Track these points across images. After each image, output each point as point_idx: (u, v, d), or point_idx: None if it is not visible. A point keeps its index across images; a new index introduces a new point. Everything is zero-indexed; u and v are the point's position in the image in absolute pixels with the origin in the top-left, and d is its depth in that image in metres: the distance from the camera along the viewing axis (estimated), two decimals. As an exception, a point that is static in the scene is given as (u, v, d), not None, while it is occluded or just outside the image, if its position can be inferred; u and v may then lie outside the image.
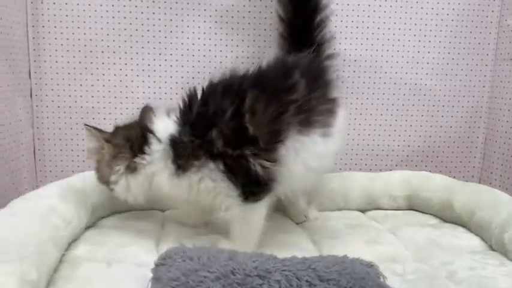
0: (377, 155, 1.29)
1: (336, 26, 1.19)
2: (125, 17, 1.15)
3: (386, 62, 1.24)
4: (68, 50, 1.15)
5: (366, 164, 1.29)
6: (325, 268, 0.62)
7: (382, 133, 1.28)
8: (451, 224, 1.05)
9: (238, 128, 0.81)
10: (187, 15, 1.17)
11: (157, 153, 0.85)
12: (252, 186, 0.82)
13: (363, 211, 1.16)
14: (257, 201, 0.83)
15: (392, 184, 1.17)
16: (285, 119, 0.82)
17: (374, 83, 1.25)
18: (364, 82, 1.24)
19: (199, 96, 0.85)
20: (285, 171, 0.84)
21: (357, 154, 1.28)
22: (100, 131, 0.90)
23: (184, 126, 0.83)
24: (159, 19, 1.16)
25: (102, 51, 1.16)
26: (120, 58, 1.17)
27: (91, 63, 1.16)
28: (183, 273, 0.61)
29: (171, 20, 1.17)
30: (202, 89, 0.85)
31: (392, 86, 1.26)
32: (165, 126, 0.85)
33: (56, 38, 1.14)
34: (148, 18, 1.16)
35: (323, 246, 0.93)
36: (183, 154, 0.82)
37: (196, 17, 1.17)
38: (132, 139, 0.87)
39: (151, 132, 0.86)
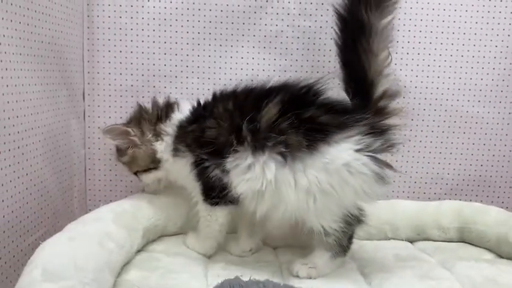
0: (426, 183, 1.26)
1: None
2: (176, 42, 1.17)
3: (437, 88, 1.22)
4: (120, 74, 1.19)
5: (413, 192, 1.26)
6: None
7: (432, 161, 1.25)
8: (508, 260, 1.00)
9: (202, 129, 0.90)
10: (237, 40, 1.18)
11: (174, 126, 0.96)
12: (208, 190, 0.92)
13: (412, 241, 1.13)
14: (213, 205, 0.93)
15: (442, 214, 1.13)
16: (239, 135, 0.85)
17: (424, 109, 1.22)
18: (413, 108, 1.22)
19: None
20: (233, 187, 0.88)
21: (404, 181, 1.25)
22: (116, 124, 1.03)
23: (187, 115, 0.96)
24: (209, 44, 1.18)
25: (154, 75, 1.19)
26: (170, 82, 1.19)
27: (142, 86, 1.19)
28: (241, 310, 0.60)
29: (220, 45, 1.18)
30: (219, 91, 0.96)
31: (443, 113, 1.23)
32: (184, 109, 0.98)
33: (109, 62, 1.18)
34: (199, 44, 1.18)
35: (373, 279, 0.90)
36: (178, 137, 0.95)
37: (246, 42, 1.19)
38: (157, 110, 1.00)
39: (177, 104, 0.99)
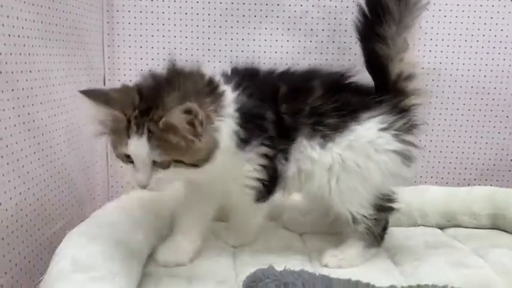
0: (455, 168, 1.22)
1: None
2: (197, 25, 1.14)
3: (468, 70, 1.17)
4: (141, 58, 1.16)
5: (442, 178, 1.22)
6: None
7: (462, 145, 1.21)
8: (543, 247, 0.97)
9: (278, 116, 0.81)
10: (260, 22, 1.15)
11: (233, 105, 0.77)
12: (270, 186, 0.84)
13: (442, 228, 1.09)
14: (266, 202, 0.87)
15: (474, 200, 1.09)
16: (300, 118, 0.83)
17: (454, 92, 1.18)
18: (443, 92, 1.18)
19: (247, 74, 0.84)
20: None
21: (433, 167, 1.22)
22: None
23: (246, 98, 0.78)
24: (231, 27, 1.15)
25: (175, 59, 1.16)
26: (192, 66, 1.16)
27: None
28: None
29: (243, 27, 1.15)
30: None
31: (474, 96, 1.18)
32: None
33: (130, 46, 1.16)
34: (220, 26, 1.15)
35: (406, 267, 0.88)
36: (247, 127, 0.77)
37: (269, 24, 1.15)
38: (199, 87, 0.76)
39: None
